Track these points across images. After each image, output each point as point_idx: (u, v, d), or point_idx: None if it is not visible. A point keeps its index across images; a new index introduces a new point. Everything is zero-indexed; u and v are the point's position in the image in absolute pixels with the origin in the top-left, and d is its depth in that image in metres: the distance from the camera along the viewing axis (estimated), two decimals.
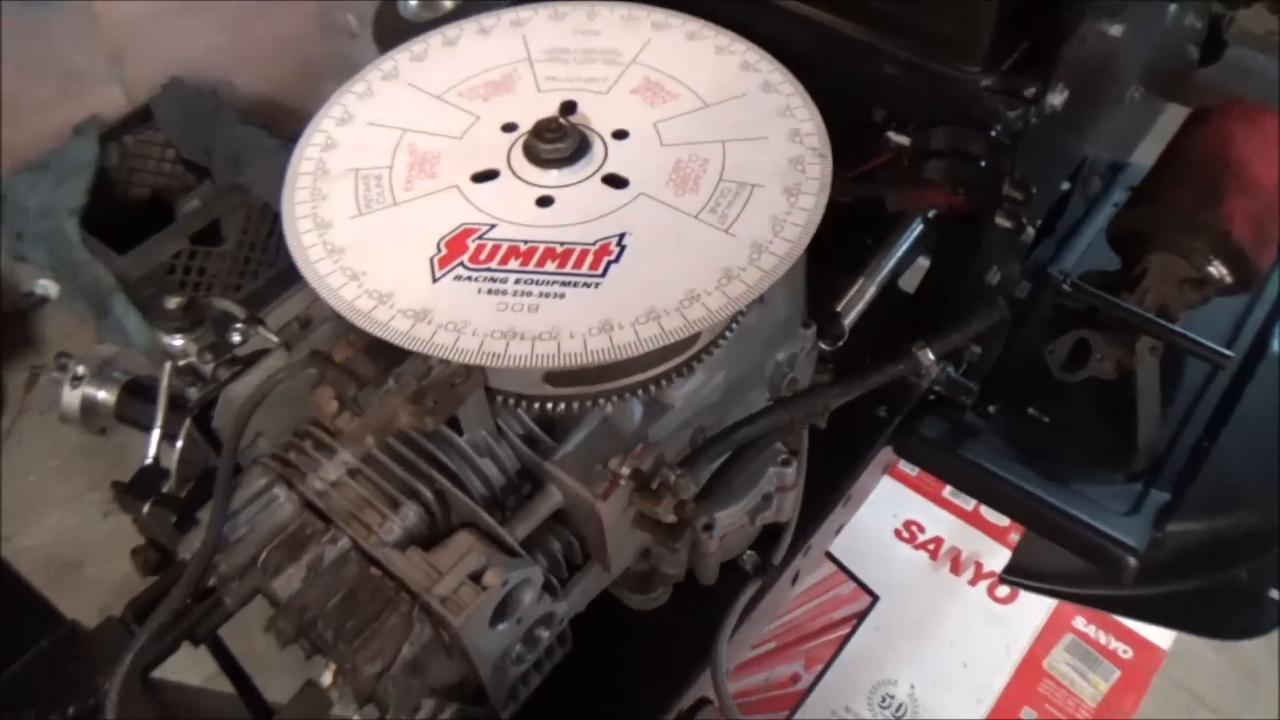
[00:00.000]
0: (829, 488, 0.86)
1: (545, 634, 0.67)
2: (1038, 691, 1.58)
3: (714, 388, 0.69)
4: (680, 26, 0.72)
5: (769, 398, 0.80)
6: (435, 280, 0.58)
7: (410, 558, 0.60)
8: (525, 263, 0.58)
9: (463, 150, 0.65)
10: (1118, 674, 1.59)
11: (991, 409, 0.92)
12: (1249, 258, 0.91)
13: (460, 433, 0.64)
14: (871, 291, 0.94)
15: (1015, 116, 0.69)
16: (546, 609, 0.65)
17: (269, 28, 2.27)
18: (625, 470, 0.63)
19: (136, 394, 0.97)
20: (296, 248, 0.60)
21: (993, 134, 0.69)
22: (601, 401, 0.64)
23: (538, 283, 0.57)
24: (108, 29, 2.10)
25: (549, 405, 0.64)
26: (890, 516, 1.78)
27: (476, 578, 0.58)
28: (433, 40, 0.73)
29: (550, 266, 0.58)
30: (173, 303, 0.87)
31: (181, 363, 0.86)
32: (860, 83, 0.76)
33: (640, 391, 0.64)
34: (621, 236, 0.59)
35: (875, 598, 1.69)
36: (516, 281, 0.57)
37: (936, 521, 1.77)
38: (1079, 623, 1.64)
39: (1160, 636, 1.62)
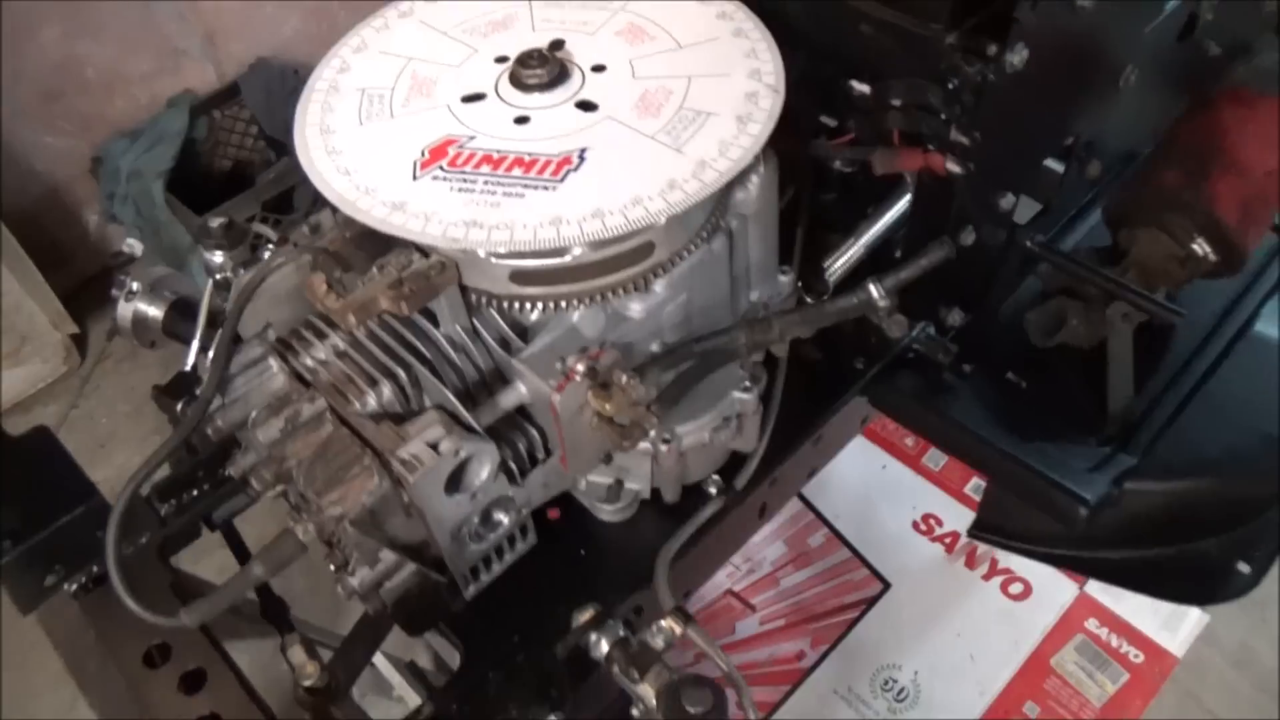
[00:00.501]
0: (799, 425, 0.91)
1: (503, 518, 0.74)
2: (1043, 688, 1.59)
3: (676, 307, 0.76)
4: None
5: None
6: (415, 179, 0.66)
7: (382, 427, 0.67)
8: (495, 168, 0.65)
9: (458, 76, 0.73)
10: (1126, 677, 1.59)
11: (967, 368, 0.96)
12: (1232, 238, 0.93)
13: (438, 328, 0.72)
14: (858, 251, 0.99)
15: (974, 71, 0.74)
16: (503, 490, 0.72)
17: (351, 15, 2.41)
18: (580, 367, 0.69)
19: (182, 312, 1.07)
20: (302, 147, 0.69)
21: (950, 86, 0.74)
22: (565, 305, 0.70)
23: (503, 184, 0.64)
24: (204, 11, 2.27)
25: (519, 307, 0.71)
26: (910, 509, 1.80)
27: (435, 446, 0.65)
28: None
29: (516, 172, 0.65)
30: (215, 222, 0.97)
31: (218, 276, 0.95)
32: (843, 44, 0.81)
33: (600, 298, 0.71)
34: (583, 151, 0.66)
35: (887, 585, 1.72)
36: (485, 183, 0.64)
37: (957, 517, 1.79)
38: (1091, 624, 1.64)
39: (1174, 643, 1.61)
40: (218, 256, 0.97)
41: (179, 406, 0.93)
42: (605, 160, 0.66)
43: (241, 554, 0.94)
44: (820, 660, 1.65)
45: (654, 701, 0.65)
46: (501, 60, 0.74)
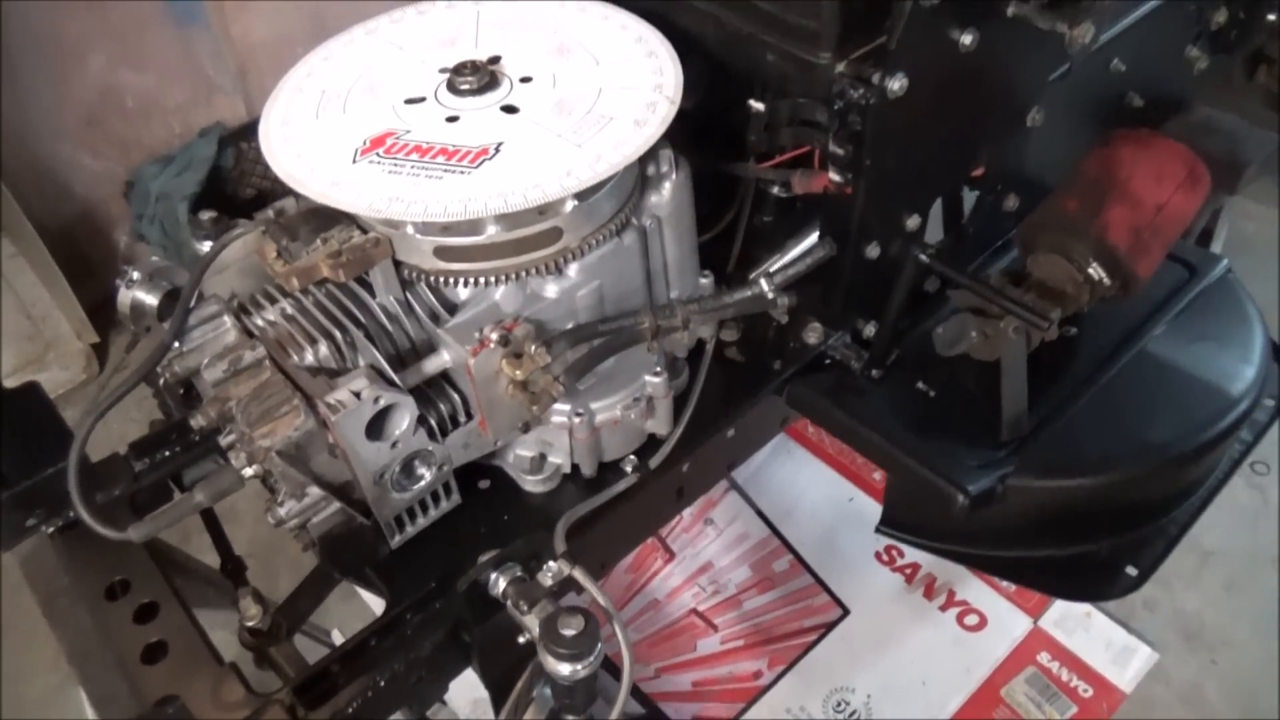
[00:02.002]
0: (716, 416, 1.00)
1: (425, 472, 0.83)
2: (992, 716, 1.62)
3: (589, 292, 0.85)
4: (598, 10, 0.90)
5: None
6: (354, 162, 0.77)
7: (317, 378, 0.77)
8: (423, 156, 0.76)
9: (405, 83, 0.85)
10: (1074, 710, 1.62)
11: (875, 373, 1.04)
12: (1124, 264, 1.02)
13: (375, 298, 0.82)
14: (782, 264, 1.08)
15: (858, 95, 0.84)
16: (423, 444, 0.81)
17: None
18: (494, 335, 0.79)
19: (176, 300, 1.18)
20: (264, 135, 0.80)
21: (836, 107, 0.84)
22: (486, 282, 0.80)
23: (427, 169, 0.75)
24: (239, 48, 2.43)
25: (447, 282, 0.81)
26: (873, 539, 1.86)
27: (358, 394, 0.75)
28: (409, 10, 0.94)
29: (440, 160, 0.76)
30: (205, 215, 1.08)
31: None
32: (752, 70, 0.92)
33: (515, 277, 0.81)
34: (500, 145, 0.77)
35: (846, 611, 1.77)
36: (412, 168, 0.75)
37: (916, 549, 1.84)
38: (1043, 657, 1.68)
39: (1123, 679, 1.65)
40: (207, 246, 1.09)
41: (162, 380, 1.03)
42: (517, 152, 0.76)
43: (207, 514, 1.04)
44: (776, 680, 1.70)
45: (538, 630, 0.73)
46: (445, 71, 0.85)
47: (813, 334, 1.04)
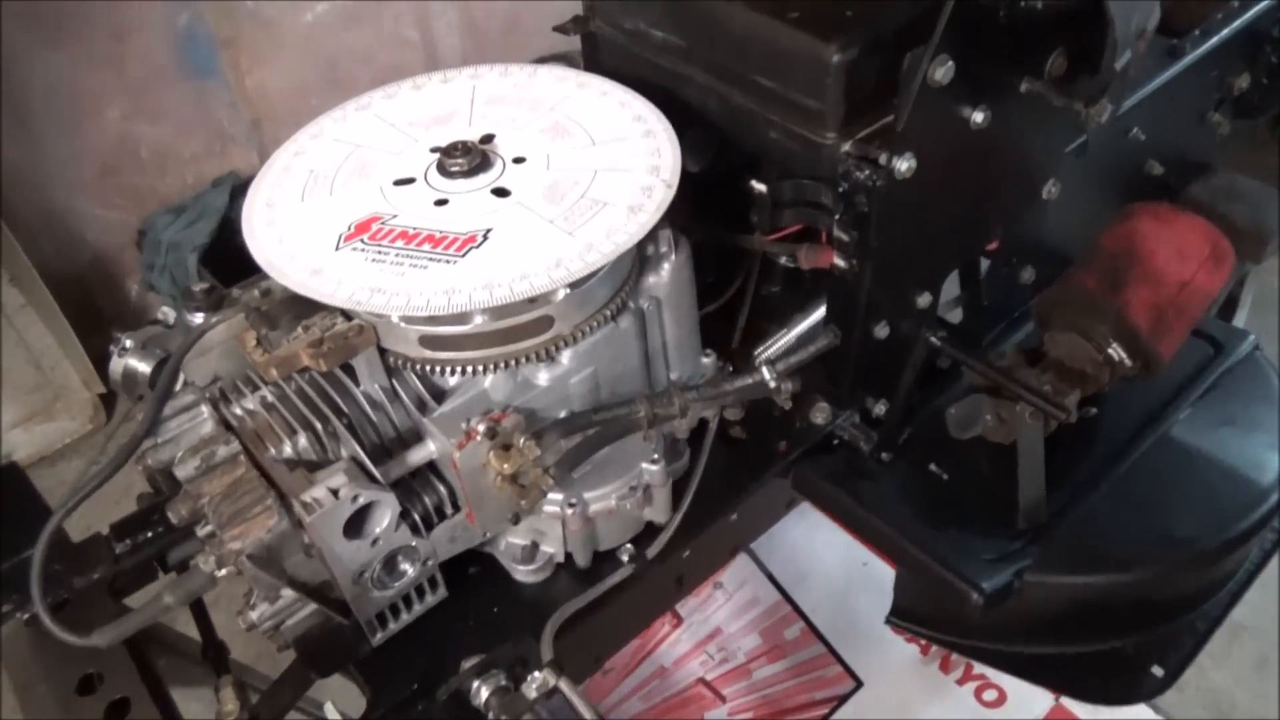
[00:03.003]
0: (719, 502, 0.96)
1: (409, 568, 0.80)
2: None
3: (584, 378, 0.82)
4: (597, 87, 0.87)
5: None
6: (337, 249, 0.74)
7: (294, 473, 0.74)
8: (408, 243, 0.73)
9: (395, 162, 0.82)
10: None
11: (885, 456, 1.00)
12: (1146, 344, 0.97)
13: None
14: (789, 340, 1.05)
15: (864, 177, 0.80)
16: (406, 539, 0.77)
17: None
18: (481, 427, 0.76)
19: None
20: (247, 218, 0.78)
21: (840, 189, 0.81)
22: (475, 370, 0.77)
23: (411, 257, 0.72)
24: (254, 100, 2.44)
25: (436, 370, 0.78)
26: (888, 606, 1.80)
27: (335, 491, 0.71)
28: (405, 85, 0.91)
29: (426, 247, 0.73)
30: (199, 287, 1.06)
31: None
32: (756, 146, 0.89)
33: (504, 366, 0.77)
34: (488, 231, 0.74)
35: (859, 684, 1.71)
36: (396, 255, 0.72)
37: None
38: None
39: None
40: (199, 318, 1.06)
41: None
42: (505, 240, 0.73)
43: (198, 611, 1.00)
44: None
45: None
46: (436, 150, 0.82)
47: (820, 414, 1.00)
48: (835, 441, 1.03)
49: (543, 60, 1.04)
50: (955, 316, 1.15)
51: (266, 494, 0.70)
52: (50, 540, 0.73)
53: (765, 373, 0.81)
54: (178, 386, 0.89)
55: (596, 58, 1.01)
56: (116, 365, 1.17)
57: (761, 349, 1.04)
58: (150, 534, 0.95)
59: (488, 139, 0.83)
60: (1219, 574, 0.95)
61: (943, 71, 0.76)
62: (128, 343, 1.17)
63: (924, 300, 0.96)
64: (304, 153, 0.84)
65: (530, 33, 2.62)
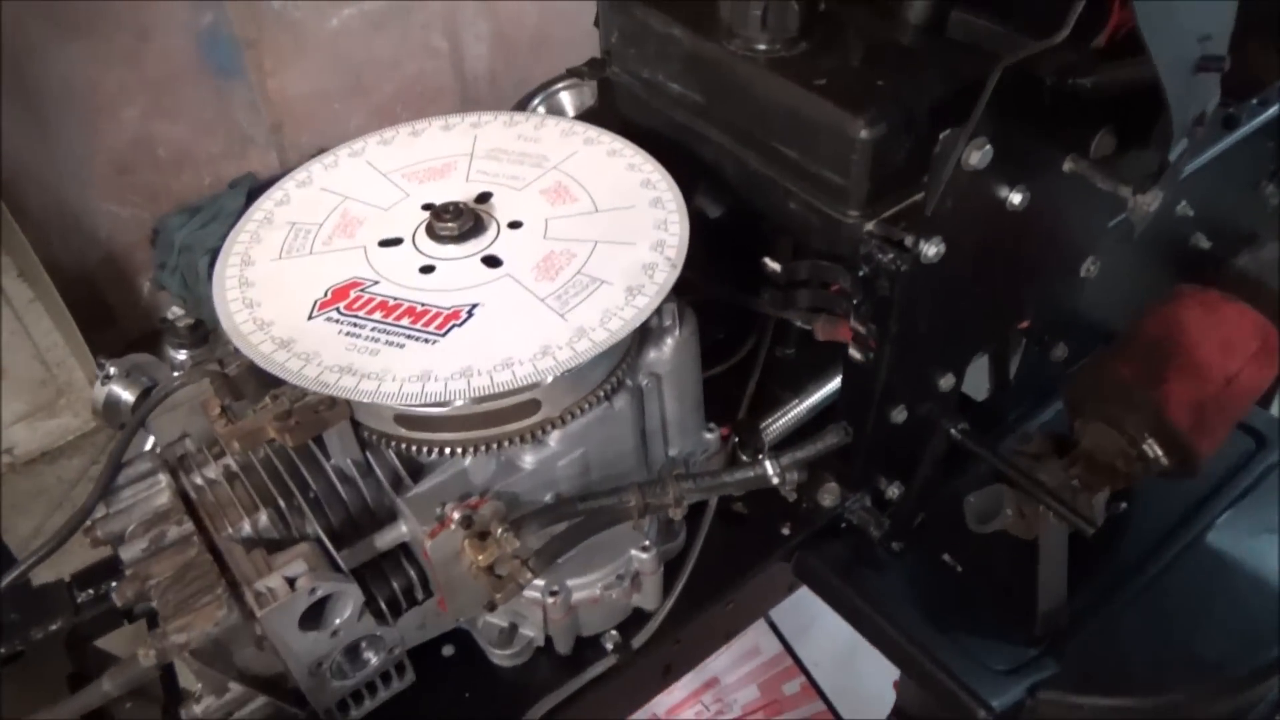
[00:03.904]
0: (713, 588, 0.90)
1: (373, 657, 0.74)
2: None
3: (573, 460, 0.76)
4: (606, 144, 0.81)
5: None
6: (310, 318, 0.68)
7: (252, 555, 0.68)
8: (387, 315, 0.67)
9: (384, 219, 0.76)
10: None
11: (896, 545, 0.93)
12: (1184, 442, 0.90)
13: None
14: (800, 413, 0.98)
15: (887, 260, 0.74)
16: (369, 630, 0.72)
17: (413, 117, 2.54)
18: (456, 515, 0.70)
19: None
20: (218, 276, 0.73)
21: (861, 272, 0.75)
22: (450, 452, 0.71)
23: (388, 333, 0.66)
24: (275, 102, 2.41)
25: (411, 449, 0.73)
26: (893, 666, 1.73)
27: (293, 582, 0.66)
28: (403, 130, 0.86)
29: (404, 321, 0.67)
30: (182, 323, 1.01)
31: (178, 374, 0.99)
32: (772, 214, 0.83)
33: (485, 448, 0.72)
34: (474, 306, 0.68)
35: None
36: (372, 329, 0.67)
37: None
38: None
39: None
40: (181, 354, 1.01)
41: None
42: (492, 318, 0.67)
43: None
44: None
45: None
46: (428, 207, 0.77)
47: (828, 495, 0.94)
48: (843, 525, 0.97)
49: (573, 72, 0.98)
50: (980, 379, 1.08)
51: (217, 582, 0.65)
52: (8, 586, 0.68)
53: (769, 467, 0.75)
54: (148, 446, 0.85)
55: (611, 103, 0.96)
56: (99, 393, 1.12)
57: (770, 420, 0.98)
58: (115, 583, 0.90)
59: (484, 198, 0.78)
60: (1254, 698, 0.88)
61: (979, 156, 0.69)
62: (111, 369, 1.12)
63: (947, 382, 0.90)
64: (288, 202, 0.79)
65: (561, 45, 2.57)
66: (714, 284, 0.98)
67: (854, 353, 0.78)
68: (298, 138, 2.47)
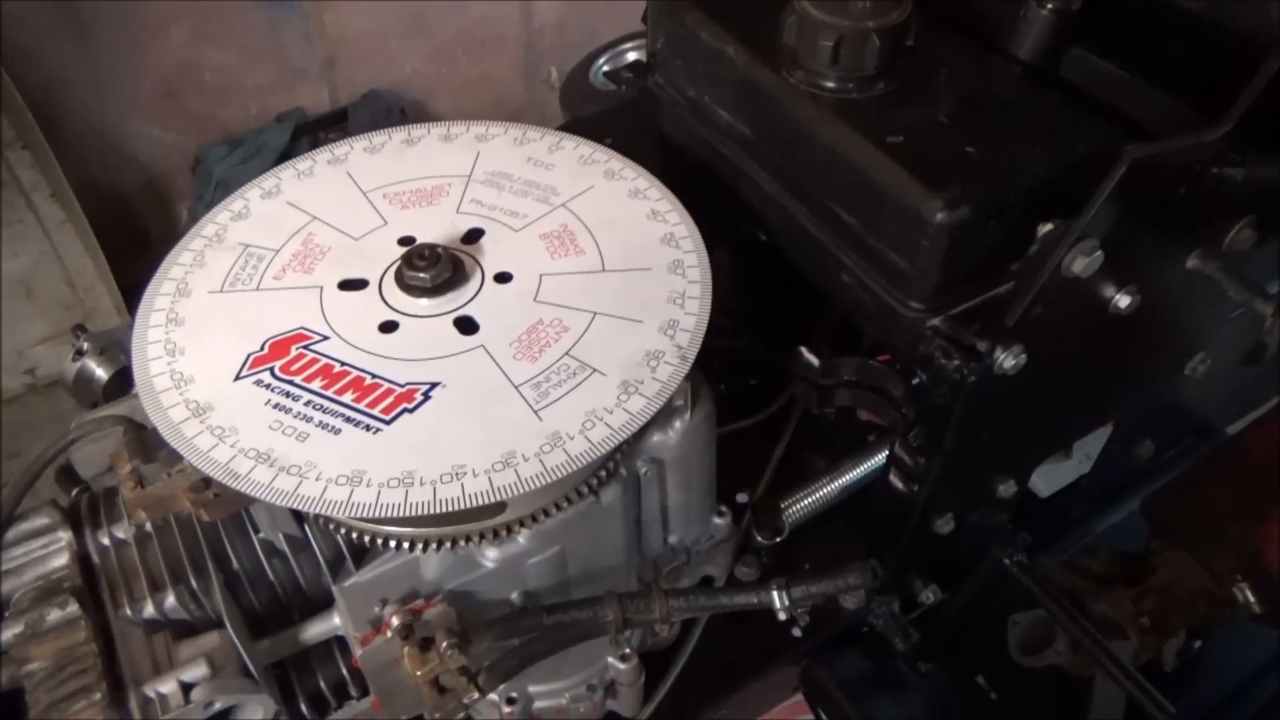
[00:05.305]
0: (704, 696, 0.78)
1: None
2: None
3: (546, 559, 0.64)
4: (629, 181, 0.68)
5: (642, 580, 0.74)
6: (237, 379, 0.56)
7: (152, 642, 0.58)
8: (328, 386, 0.56)
9: (351, 252, 0.64)
10: None
11: (923, 666, 0.80)
12: None
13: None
14: (830, 492, 0.85)
15: (952, 367, 0.60)
16: None
17: (473, 64, 2.40)
18: (395, 621, 0.59)
19: (129, 380, 1.02)
20: (144, 308, 0.61)
21: (916, 381, 0.61)
22: (398, 545, 0.60)
23: (325, 410, 0.54)
24: (329, 36, 2.28)
25: (352, 534, 0.61)
26: None
27: (189, 689, 0.56)
28: (395, 135, 0.73)
29: (348, 397, 0.55)
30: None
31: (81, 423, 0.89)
32: (820, 278, 0.69)
33: (438, 545, 0.60)
34: (433, 386, 0.56)
35: None
36: (306, 403, 0.55)
37: None
38: None
39: None
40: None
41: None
42: (452, 404, 0.55)
43: None
44: None
45: None
46: (406, 242, 0.64)
47: (853, 599, 0.80)
48: (865, 629, 0.84)
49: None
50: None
51: (97, 684, 0.54)
52: None
53: (776, 599, 0.62)
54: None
55: (649, 113, 0.82)
56: (69, 367, 1.03)
57: (794, 500, 0.85)
58: None
59: (473, 236, 0.65)
60: None
61: (1085, 264, 0.54)
62: (85, 345, 1.03)
63: (1007, 489, 0.76)
64: (246, 216, 0.67)
65: None
66: (747, 334, 0.85)
67: (895, 481, 0.64)
68: (351, 75, 2.35)
